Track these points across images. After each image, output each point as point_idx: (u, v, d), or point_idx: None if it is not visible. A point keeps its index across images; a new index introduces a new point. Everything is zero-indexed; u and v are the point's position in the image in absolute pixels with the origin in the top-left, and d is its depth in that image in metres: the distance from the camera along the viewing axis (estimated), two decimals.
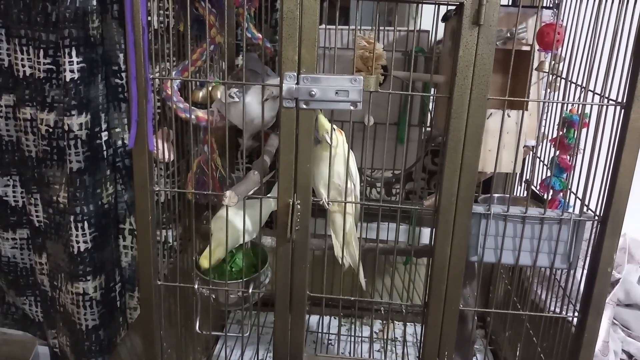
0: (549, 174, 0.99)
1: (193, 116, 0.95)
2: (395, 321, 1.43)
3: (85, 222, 1.34)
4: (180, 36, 1.02)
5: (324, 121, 0.88)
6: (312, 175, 0.90)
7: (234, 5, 1.08)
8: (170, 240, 1.31)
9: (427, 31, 1.20)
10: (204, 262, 0.99)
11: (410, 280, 1.39)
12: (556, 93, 0.97)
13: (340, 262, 0.96)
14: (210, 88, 1.00)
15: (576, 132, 0.92)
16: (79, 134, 1.29)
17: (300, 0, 0.76)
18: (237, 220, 0.99)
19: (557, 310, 0.99)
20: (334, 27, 1.18)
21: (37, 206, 1.45)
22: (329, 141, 0.87)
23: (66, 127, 1.28)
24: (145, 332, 0.99)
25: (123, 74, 1.32)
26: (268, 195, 1.03)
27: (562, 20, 1.01)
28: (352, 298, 0.99)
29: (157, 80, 0.90)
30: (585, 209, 0.89)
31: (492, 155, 0.94)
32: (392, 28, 1.21)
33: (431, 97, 1.21)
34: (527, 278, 1.19)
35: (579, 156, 0.91)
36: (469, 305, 1.07)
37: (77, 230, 1.34)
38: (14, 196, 1.49)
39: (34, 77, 1.31)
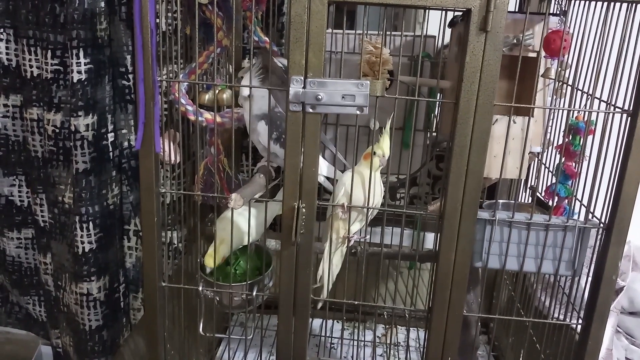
0: (554, 181, 0.99)
1: (202, 118, 0.95)
2: (398, 326, 1.43)
3: (90, 223, 1.35)
4: (188, 39, 1.02)
5: (384, 142, 0.89)
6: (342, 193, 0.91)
7: (242, 8, 1.08)
8: (175, 242, 1.32)
9: (434, 36, 1.21)
10: (209, 260, 0.99)
11: (413, 285, 1.39)
12: (562, 100, 0.97)
13: (318, 280, 0.96)
14: (217, 91, 1.00)
15: (582, 139, 0.92)
16: (85, 135, 1.29)
17: (308, 5, 0.77)
18: (241, 221, 1.00)
19: (561, 317, 0.99)
20: (340, 31, 1.19)
21: (43, 206, 1.46)
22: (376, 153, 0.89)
23: (73, 128, 1.28)
24: (149, 333, 0.99)
25: (130, 76, 1.33)
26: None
27: (569, 27, 1.01)
28: (356, 302, 0.99)
29: (164, 82, 0.91)
30: (590, 216, 0.89)
31: (497, 161, 0.94)
32: (399, 33, 1.21)
33: (437, 103, 1.21)
34: (531, 285, 1.19)
35: (585, 163, 0.91)
36: (472, 311, 1.07)
37: (82, 230, 1.35)
38: (20, 196, 1.50)
39: (41, 78, 1.32)
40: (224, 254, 0.99)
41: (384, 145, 0.89)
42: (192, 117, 0.95)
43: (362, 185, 0.90)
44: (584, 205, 0.91)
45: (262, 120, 0.94)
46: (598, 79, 0.84)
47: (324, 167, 0.99)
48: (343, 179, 0.94)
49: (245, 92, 0.96)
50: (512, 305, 1.17)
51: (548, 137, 1.07)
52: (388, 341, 1.38)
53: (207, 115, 0.96)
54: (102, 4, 1.25)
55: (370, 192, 0.90)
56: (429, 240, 1.35)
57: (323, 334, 1.34)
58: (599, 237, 0.89)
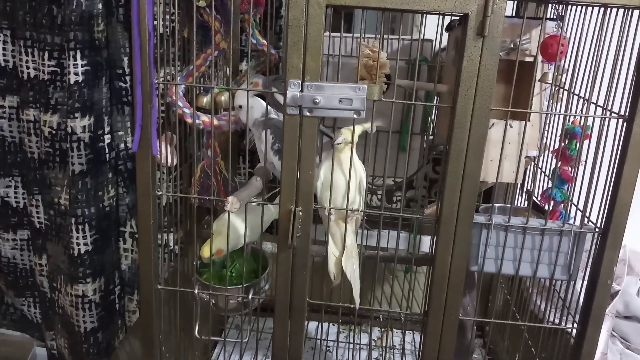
0: (550, 185, 0.99)
1: (199, 121, 0.95)
2: (394, 329, 1.43)
3: (86, 225, 1.34)
4: (185, 41, 1.03)
5: (346, 131, 0.88)
6: (320, 184, 0.90)
7: (239, 11, 1.08)
8: (171, 244, 1.32)
9: (431, 40, 1.21)
10: (205, 250, 0.99)
11: (409, 288, 1.39)
12: (559, 104, 0.97)
13: (332, 278, 0.95)
14: (214, 94, 1.00)
15: (578, 143, 0.93)
16: (81, 137, 1.29)
17: (306, 9, 0.77)
18: (238, 223, 0.99)
19: (556, 321, 0.99)
20: (338, 34, 1.19)
21: (38, 207, 1.45)
22: (339, 140, 0.87)
23: (69, 130, 1.28)
24: (145, 335, 0.99)
25: (127, 78, 1.32)
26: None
27: (566, 32, 1.01)
28: (352, 305, 0.99)
29: (161, 84, 0.91)
30: (586, 220, 0.90)
31: (493, 165, 0.94)
32: (396, 37, 1.22)
33: (434, 106, 1.21)
34: (526, 288, 1.19)
35: (581, 168, 0.91)
36: (468, 314, 1.07)
37: (77, 232, 1.34)
38: (15, 197, 1.50)
39: (38, 79, 1.32)
40: (220, 246, 0.98)
41: (344, 133, 0.89)
42: (189, 120, 0.95)
43: (342, 171, 0.90)
44: (579, 210, 0.92)
45: (268, 130, 0.95)
46: (594, 84, 0.85)
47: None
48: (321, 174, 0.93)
49: (236, 103, 0.97)
50: (507, 309, 1.17)
51: (544, 141, 1.08)
52: (384, 344, 1.38)
53: (204, 117, 0.96)
54: (100, 6, 1.25)
55: (352, 174, 0.89)
56: (425, 243, 1.35)
57: (319, 337, 1.34)
58: (595, 241, 0.89)
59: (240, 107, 0.96)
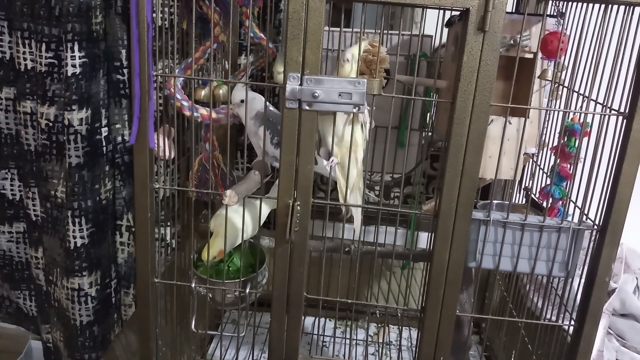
0: (548, 182, 0.99)
1: (197, 114, 0.95)
2: (390, 325, 1.43)
3: (83, 218, 1.34)
4: (184, 34, 1.02)
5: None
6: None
7: (238, 4, 1.07)
8: (168, 238, 1.31)
9: (430, 36, 1.21)
10: (204, 254, 0.99)
11: (407, 284, 1.39)
12: (558, 101, 0.97)
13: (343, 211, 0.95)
14: (213, 87, 1.00)
15: (577, 140, 0.93)
16: (79, 129, 1.28)
17: (306, 2, 0.76)
18: (236, 218, 0.99)
19: (554, 318, 0.99)
20: (337, 29, 1.18)
21: (35, 200, 1.45)
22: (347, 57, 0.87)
23: (66, 122, 1.28)
24: (141, 329, 0.98)
25: (125, 70, 1.32)
26: (267, 195, 1.03)
27: (566, 29, 1.01)
28: (349, 301, 0.99)
29: (159, 77, 0.90)
30: (584, 217, 0.90)
31: (492, 162, 0.94)
32: (396, 32, 1.21)
33: (433, 102, 1.21)
34: (523, 285, 1.19)
35: (580, 165, 0.91)
36: (465, 311, 1.07)
37: (74, 225, 1.34)
38: (12, 189, 1.49)
39: (35, 71, 1.31)
40: (219, 247, 0.98)
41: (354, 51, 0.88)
42: (187, 113, 0.95)
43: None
44: (578, 207, 0.91)
45: (264, 125, 0.94)
46: (594, 81, 0.85)
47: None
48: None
49: (237, 98, 0.96)
50: (504, 305, 1.17)
51: (543, 138, 1.08)
52: (380, 340, 1.38)
53: (203, 111, 0.96)
54: None
55: None
56: (422, 239, 1.35)
57: (315, 332, 1.34)
58: (593, 238, 0.89)
59: (242, 101, 0.96)
